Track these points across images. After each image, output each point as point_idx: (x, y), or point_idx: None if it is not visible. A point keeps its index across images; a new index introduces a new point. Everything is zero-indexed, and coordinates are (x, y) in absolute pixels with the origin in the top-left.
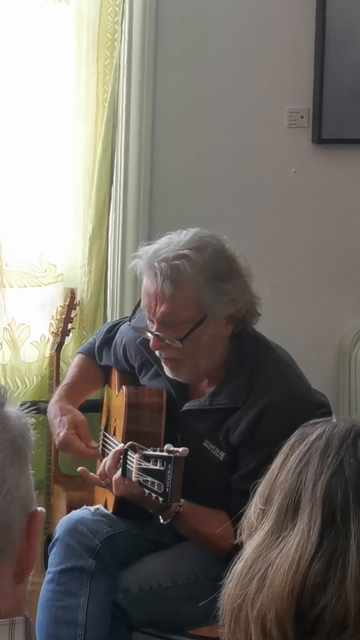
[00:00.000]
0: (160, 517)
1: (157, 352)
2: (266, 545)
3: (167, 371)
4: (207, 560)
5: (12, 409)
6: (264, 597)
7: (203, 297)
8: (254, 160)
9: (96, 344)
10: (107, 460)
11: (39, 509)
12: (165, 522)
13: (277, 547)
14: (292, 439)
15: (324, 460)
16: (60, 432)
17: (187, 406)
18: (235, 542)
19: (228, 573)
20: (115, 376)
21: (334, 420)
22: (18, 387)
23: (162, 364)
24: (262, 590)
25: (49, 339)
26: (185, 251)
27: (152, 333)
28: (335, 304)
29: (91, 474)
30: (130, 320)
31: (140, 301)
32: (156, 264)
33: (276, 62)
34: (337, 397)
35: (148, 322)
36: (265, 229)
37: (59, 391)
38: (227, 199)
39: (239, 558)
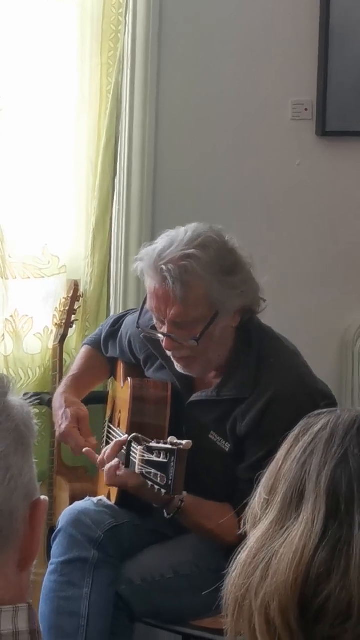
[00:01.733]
0: (164, 511)
1: (168, 352)
2: (270, 535)
3: (179, 368)
4: (209, 552)
5: (16, 398)
6: (267, 587)
7: (213, 294)
8: (257, 153)
9: (102, 336)
10: (107, 449)
11: (42, 497)
12: (169, 517)
13: (281, 536)
14: (297, 429)
15: (329, 450)
16: (62, 424)
17: (194, 397)
18: (239, 532)
19: (232, 563)
20: (120, 368)
21: (338, 410)
22: (21, 379)
23: (174, 361)
24: (266, 580)
25: (52, 330)
26: (191, 250)
27: (164, 334)
28: (339, 297)
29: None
30: (138, 324)
31: (144, 302)
32: (163, 266)
33: (280, 54)
34: (340, 390)
35: (157, 322)
36: (269, 221)
37: (65, 382)
38: (231, 191)
39: (242, 548)
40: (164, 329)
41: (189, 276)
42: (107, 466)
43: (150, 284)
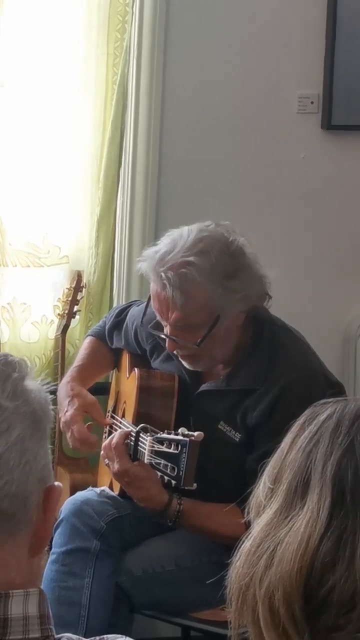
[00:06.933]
0: (167, 520)
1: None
2: (275, 524)
3: (185, 364)
4: (211, 545)
5: (33, 383)
6: (272, 576)
7: (214, 300)
8: (263, 145)
9: (107, 327)
10: (115, 436)
11: (57, 484)
12: (171, 524)
13: (286, 526)
14: (302, 418)
15: (335, 439)
16: (67, 411)
17: (203, 387)
18: (243, 520)
19: (235, 552)
20: (125, 359)
21: (344, 400)
22: None
23: (179, 358)
24: (270, 569)
25: (52, 320)
26: (191, 258)
27: (166, 336)
28: (342, 290)
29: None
30: (142, 320)
31: (149, 299)
32: (162, 273)
33: (287, 47)
34: (342, 383)
35: (160, 320)
36: (273, 214)
37: (70, 372)
38: (236, 183)
39: (246, 537)
40: (167, 330)
41: (188, 284)
42: (114, 442)
43: (152, 286)
